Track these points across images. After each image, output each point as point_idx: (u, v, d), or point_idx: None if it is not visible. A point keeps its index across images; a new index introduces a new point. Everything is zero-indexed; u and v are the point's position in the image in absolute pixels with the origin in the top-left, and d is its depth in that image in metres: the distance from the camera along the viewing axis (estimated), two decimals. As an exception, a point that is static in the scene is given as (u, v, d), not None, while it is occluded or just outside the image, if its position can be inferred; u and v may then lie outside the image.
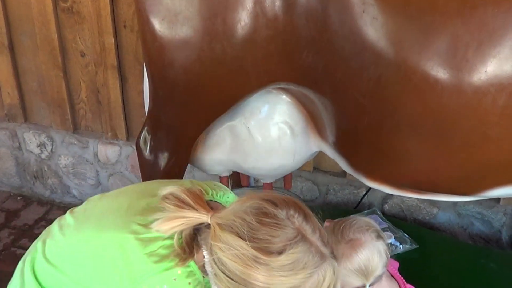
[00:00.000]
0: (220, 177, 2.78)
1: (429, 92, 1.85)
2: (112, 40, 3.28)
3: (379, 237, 2.01)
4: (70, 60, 3.48)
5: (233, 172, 2.74)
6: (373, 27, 1.87)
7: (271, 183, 2.73)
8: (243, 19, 2.04)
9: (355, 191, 3.28)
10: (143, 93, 2.57)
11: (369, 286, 1.95)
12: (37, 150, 3.83)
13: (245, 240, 1.53)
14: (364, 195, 3.23)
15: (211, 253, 1.61)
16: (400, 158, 2.08)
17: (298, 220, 1.58)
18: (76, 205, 3.82)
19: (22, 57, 3.61)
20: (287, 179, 2.84)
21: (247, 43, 2.07)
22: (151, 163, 2.51)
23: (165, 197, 1.70)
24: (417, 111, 1.91)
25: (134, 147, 2.74)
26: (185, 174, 2.60)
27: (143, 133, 2.52)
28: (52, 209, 3.83)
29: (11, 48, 3.58)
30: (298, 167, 2.59)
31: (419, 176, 2.11)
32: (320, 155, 2.85)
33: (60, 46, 3.43)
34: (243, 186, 3.00)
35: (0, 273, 3.14)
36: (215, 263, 1.59)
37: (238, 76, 2.15)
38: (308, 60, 2.04)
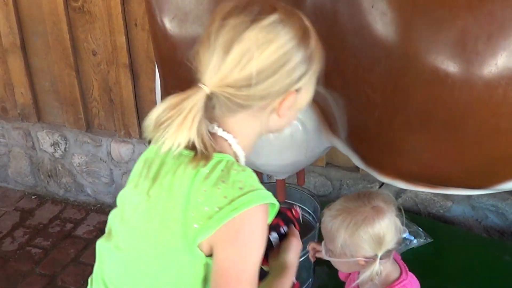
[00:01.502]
0: (232, 173, 2.78)
1: (439, 85, 1.85)
2: (124, 38, 3.30)
3: (398, 213, 2.05)
4: (82, 59, 3.50)
5: (245, 168, 2.74)
6: (382, 22, 1.87)
7: (284, 179, 2.73)
8: (253, 16, 2.03)
9: (369, 185, 3.28)
10: (155, 91, 2.58)
11: (379, 259, 1.96)
12: (50, 149, 3.85)
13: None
14: (378, 189, 3.22)
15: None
16: (412, 153, 2.08)
17: None
18: (90, 204, 3.87)
19: (34, 57, 3.63)
20: (300, 175, 2.84)
21: (257, 39, 2.07)
22: (163, 161, 2.51)
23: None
24: (428, 105, 1.91)
25: (148, 145, 2.75)
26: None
27: (155, 131, 2.52)
28: (67, 208, 3.85)
29: (23, 48, 3.60)
30: (310, 162, 2.59)
31: (431, 170, 2.11)
32: (333, 150, 2.84)
33: (72, 46, 3.45)
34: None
35: (15, 272, 3.18)
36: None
37: (249, 73, 2.15)
38: (319, 56, 2.03)
